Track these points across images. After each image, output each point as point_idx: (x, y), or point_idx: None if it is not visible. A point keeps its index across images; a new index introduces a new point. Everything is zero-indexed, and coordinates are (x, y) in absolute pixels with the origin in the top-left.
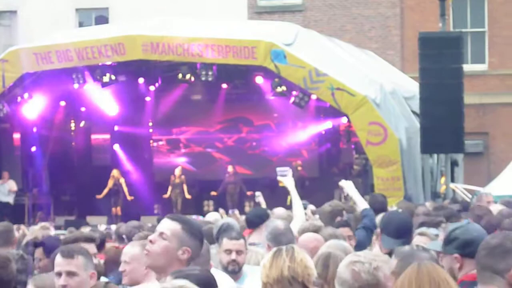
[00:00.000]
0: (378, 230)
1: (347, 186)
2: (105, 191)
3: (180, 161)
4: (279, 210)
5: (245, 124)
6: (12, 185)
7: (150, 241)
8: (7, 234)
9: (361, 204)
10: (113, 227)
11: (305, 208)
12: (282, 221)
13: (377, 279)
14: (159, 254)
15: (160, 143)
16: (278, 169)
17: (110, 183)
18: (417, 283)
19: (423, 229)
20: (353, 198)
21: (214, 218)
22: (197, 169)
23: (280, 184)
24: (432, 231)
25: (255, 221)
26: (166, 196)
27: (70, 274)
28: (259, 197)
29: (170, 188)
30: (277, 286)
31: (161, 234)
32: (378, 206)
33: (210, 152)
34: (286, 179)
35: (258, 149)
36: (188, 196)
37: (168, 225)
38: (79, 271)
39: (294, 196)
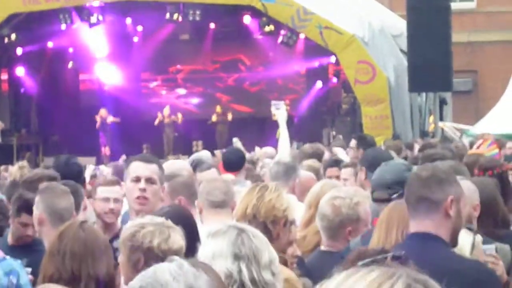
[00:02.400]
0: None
1: (278, 114)
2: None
3: (180, 101)
4: (268, 149)
5: (242, 64)
6: None
7: (144, 189)
8: None
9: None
10: (102, 167)
11: (298, 148)
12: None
13: (357, 214)
14: (153, 199)
15: (155, 83)
16: (272, 102)
17: (98, 122)
18: (388, 220)
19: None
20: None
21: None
22: (198, 109)
23: (273, 118)
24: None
25: (236, 163)
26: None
27: (150, 180)
28: (237, 143)
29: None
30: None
31: (149, 179)
32: (367, 146)
33: (212, 92)
34: (279, 112)
35: (256, 87)
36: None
37: (152, 169)
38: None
39: (283, 129)
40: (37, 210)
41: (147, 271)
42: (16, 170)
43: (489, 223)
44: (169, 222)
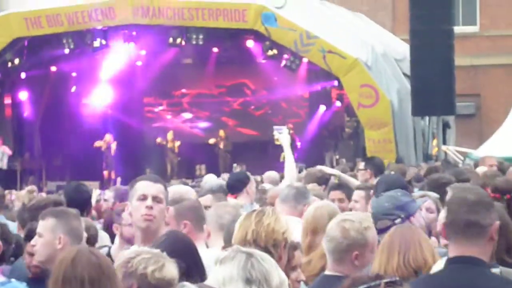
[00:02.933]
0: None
1: (281, 137)
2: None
3: (186, 125)
4: (271, 173)
5: (246, 87)
6: (5, 149)
7: (150, 207)
8: None
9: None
10: (107, 192)
11: (300, 171)
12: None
13: (366, 238)
14: (159, 217)
15: (160, 107)
16: (275, 127)
17: (103, 147)
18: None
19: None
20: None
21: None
22: (204, 133)
23: (276, 142)
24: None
25: (237, 186)
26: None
27: (156, 199)
28: (236, 169)
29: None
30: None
31: (155, 198)
32: (377, 169)
33: (218, 116)
34: (282, 136)
35: (260, 111)
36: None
37: (158, 188)
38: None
39: (288, 153)
40: (52, 233)
41: None
42: (25, 194)
43: (501, 248)
44: (165, 254)
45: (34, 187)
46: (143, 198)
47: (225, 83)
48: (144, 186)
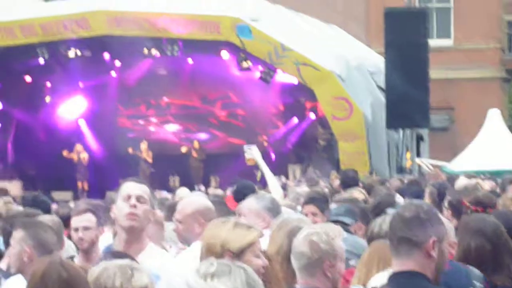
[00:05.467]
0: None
1: (252, 153)
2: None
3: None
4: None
5: (220, 98)
6: None
7: (134, 206)
8: None
9: (268, 175)
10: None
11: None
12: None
13: (335, 249)
14: (143, 217)
15: (153, 119)
16: (244, 147)
17: (75, 158)
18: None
19: None
20: (260, 167)
21: (184, 194)
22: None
23: (248, 162)
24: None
25: (246, 193)
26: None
27: (140, 199)
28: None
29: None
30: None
31: (139, 198)
32: (350, 181)
33: (209, 129)
34: (254, 154)
35: (243, 122)
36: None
37: (142, 189)
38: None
39: (266, 171)
40: (20, 245)
41: None
42: (2, 205)
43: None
44: (134, 263)
45: (10, 198)
46: (127, 198)
47: (200, 94)
48: (128, 187)
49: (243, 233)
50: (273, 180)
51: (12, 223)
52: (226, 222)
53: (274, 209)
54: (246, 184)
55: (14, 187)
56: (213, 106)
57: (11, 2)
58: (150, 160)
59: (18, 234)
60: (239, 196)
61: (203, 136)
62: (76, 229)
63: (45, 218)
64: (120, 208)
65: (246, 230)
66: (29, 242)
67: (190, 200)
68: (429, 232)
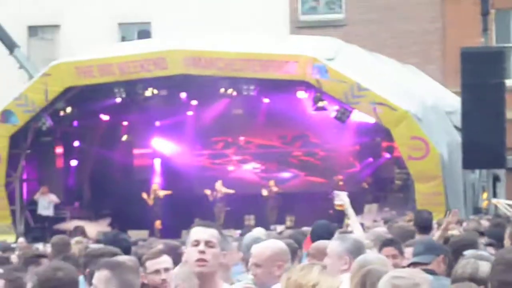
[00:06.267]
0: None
1: (342, 198)
2: (149, 201)
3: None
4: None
5: (295, 138)
6: (52, 197)
7: (203, 252)
8: (64, 247)
9: (354, 221)
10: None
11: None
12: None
13: None
14: (213, 262)
15: (233, 157)
16: (334, 192)
17: (151, 198)
18: None
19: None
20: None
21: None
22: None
23: (337, 208)
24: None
25: (324, 236)
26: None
27: (209, 244)
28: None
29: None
30: None
31: (208, 243)
32: (424, 223)
33: (289, 168)
34: (343, 201)
35: (321, 160)
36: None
37: (211, 233)
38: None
39: (353, 218)
40: (105, 286)
41: None
42: (74, 245)
43: None
44: None
45: (81, 238)
46: (196, 243)
47: (278, 134)
48: (196, 232)
49: (330, 278)
50: (358, 226)
51: (94, 262)
52: (312, 265)
53: (356, 251)
54: (321, 224)
55: (100, 226)
56: (291, 146)
57: (89, 42)
58: (223, 195)
59: (102, 274)
60: (314, 237)
61: (285, 175)
62: (158, 271)
63: (124, 258)
64: (189, 254)
65: (333, 276)
66: (114, 283)
67: (266, 244)
68: None
